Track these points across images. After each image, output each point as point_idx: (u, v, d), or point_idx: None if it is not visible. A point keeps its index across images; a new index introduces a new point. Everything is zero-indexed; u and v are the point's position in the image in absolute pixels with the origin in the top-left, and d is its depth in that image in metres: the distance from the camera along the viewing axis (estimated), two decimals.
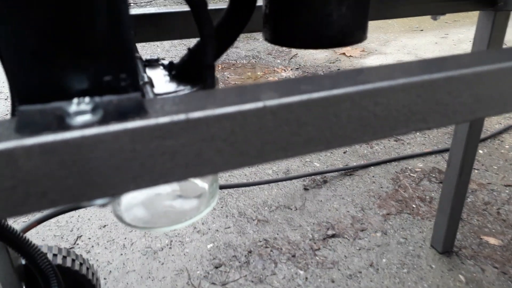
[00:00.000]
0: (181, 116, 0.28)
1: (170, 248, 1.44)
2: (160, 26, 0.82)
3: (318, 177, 1.91)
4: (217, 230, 1.54)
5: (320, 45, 0.53)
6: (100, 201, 0.28)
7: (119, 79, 0.29)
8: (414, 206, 1.70)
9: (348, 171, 1.97)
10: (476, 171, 2.03)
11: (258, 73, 2.97)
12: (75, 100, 0.27)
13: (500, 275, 1.32)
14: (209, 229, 1.54)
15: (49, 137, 0.25)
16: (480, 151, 2.24)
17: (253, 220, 1.59)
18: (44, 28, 0.26)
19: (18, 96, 0.27)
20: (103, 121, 0.26)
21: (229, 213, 1.63)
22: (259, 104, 0.30)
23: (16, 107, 0.27)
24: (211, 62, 0.43)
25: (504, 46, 0.97)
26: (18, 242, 0.58)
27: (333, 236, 1.49)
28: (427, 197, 1.78)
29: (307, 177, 1.90)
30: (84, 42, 0.27)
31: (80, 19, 0.27)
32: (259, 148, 0.31)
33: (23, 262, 0.83)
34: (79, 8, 0.26)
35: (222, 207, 1.68)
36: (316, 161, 2.05)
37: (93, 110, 0.26)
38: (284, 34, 0.54)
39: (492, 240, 1.49)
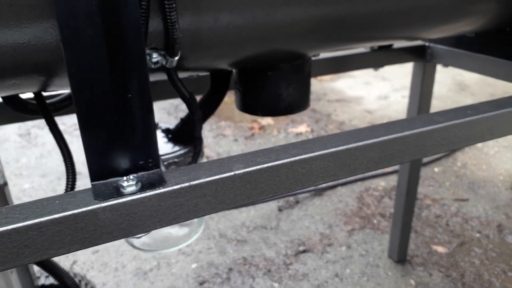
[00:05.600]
0: (186, 184, 0.48)
1: (159, 269, 1.61)
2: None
3: (291, 198, 2.12)
4: (200, 251, 1.71)
5: (275, 115, 0.74)
6: (138, 235, 0.48)
7: (148, 162, 0.49)
8: (375, 221, 1.93)
9: (318, 191, 2.19)
10: (431, 187, 2.29)
11: (270, 122, 3.14)
12: (125, 177, 0.47)
13: (444, 277, 1.54)
14: (192, 250, 1.72)
15: (114, 201, 0.44)
16: (436, 169, 2.51)
17: (233, 240, 1.77)
18: (108, 140, 0.46)
19: (91, 175, 0.47)
20: (141, 190, 0.46)
21: (211, 235, 1.81)
22: (231, 173, 0.50)
23: (91, 183, 0.47)
24: (199, 135, 0.63)
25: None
26: (53, 268, 0.75)
27: (304, 251, 1.69)
28: (387, 213, 2.01)
29: (281, 198, 2.11)
30: (129, 144, 0.47)
31: (127, 135, 0.47)
32: (232, 198, 0.52)
33: (39, 283, 1.00)
34: (127, 128, 0.47)
35: (204, 230, 1.86)
36: None
37: (136, 184, 0.46)
38: (249, 106, 0.75)
39: (440, 249, 1.72)
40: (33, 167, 2.46)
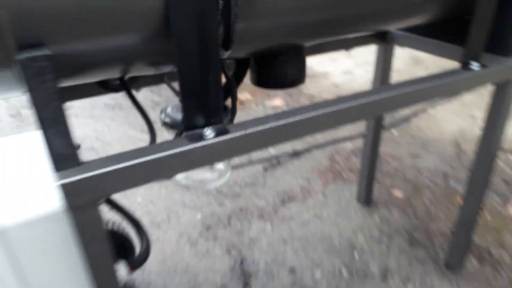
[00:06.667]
0: (242, 132, 0.77)
1: (169, 220, 1.90)
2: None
3: (274, 160, 2.45)
4: (202, 205, 2.02)
5: (282, 87, 1.03)
6: (215, 165, 0.77)
7: (217, 120, 0.78)
8: (345, 175, 2.30)
9: (296, 154, 2.53)
10: (390, 147, 2.68)
11: (248, 97, 3.35)
12: (205, 128, 0.75)
13: (402, 214, 1.94)
14: (195, 205, 2.02)
15: (201, 143, 0.73)
16: (395, 133, 2.90)
17: (229, 195, 2.09)
18: (196, 105, 0.74)
19: (185, 127, 0.75)
20: (216, 136, 0.75)
21: (210, 192, 2.12)
22: (268, 125, 0.80)
23: (183, 132, 0.75)
24: (235, 105, 0.92)
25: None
26: (119, 207, 1.02)
27: (288, 200, 2.03)
28: (354, 168, 2.39)
29: (266, 162, 2.43)
30: (207, 108, 0.76)
31: (206, 102, 0.75)
32: (270, 140, 0.81)
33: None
34: (207, 97, 0.75)
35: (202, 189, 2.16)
36: (271, 148, 2.58)
37: (212, 132, 0.75)
38: (262, 82, 1.04)
39: (398, 193, 2.12)
40: None
